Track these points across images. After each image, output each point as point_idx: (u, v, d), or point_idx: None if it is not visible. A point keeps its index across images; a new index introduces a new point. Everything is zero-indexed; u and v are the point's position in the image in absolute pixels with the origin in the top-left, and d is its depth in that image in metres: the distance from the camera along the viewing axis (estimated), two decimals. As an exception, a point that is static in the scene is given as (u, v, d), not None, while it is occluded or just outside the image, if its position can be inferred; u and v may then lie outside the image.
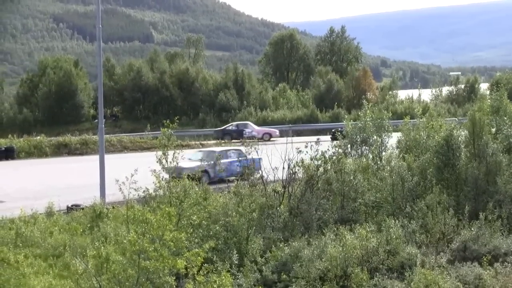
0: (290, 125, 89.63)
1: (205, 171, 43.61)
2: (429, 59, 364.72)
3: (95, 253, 18.06)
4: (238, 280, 20.48)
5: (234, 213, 26.58)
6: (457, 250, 26.49)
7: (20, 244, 30.08)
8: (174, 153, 27.70)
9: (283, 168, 30.87)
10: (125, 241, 17.25)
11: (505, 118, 34.15)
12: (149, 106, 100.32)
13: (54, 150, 73.43)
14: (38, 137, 78.04)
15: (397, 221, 27.42)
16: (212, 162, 43.24)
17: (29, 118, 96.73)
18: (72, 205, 37.14)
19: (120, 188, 26.91)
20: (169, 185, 27.77)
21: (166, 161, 27.64)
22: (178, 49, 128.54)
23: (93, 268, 17.66)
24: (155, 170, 27.06)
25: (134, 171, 26.41)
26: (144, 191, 27.67)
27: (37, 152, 72.33)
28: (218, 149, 48.01)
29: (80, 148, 72.34)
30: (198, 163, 41.75)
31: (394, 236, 26.08)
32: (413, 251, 25.52)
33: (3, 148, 71.08)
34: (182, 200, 25.76)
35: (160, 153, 27.84)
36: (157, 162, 27.47)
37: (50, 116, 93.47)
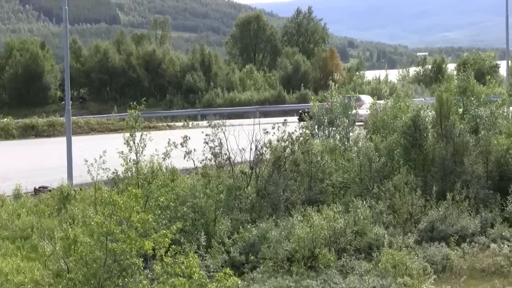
0: (257, 106, 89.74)
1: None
2: (396, 39, 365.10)
3: (63, 235, 18.03)
4: (205, 262, 20.53)
5: (201, 195, 26.55)
6: (425, 231, 26.58)
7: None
8: (141, 135, 27.62)
9: (251, 149, 30.85)
10: (92, 223, 17.20)
11: (472, 98, 34.27)
12: (116, 88, 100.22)
13: (21, 132, 73.31)
14: (5, 119, 77.83)
15: (364, 202, 27.49)
16: None
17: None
18: (39, 187, 37.06)
19: (89, 170, 26.79)
20: (136, 166, 27.72)
21: (134, 143, 27.51)
22: (144, 31, 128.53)
23: (61, 250, 17.66)
24: (122, 151, 26.94)
25: (102, 153, 26.28)
26: (112, 172, 27.58)
27: (4, 134, 72.17)
28: None
29: (47, 130, 72.18)
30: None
31: (362, 217, 26.14)
32: (381, 232, 25.60)
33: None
34: (150, 181, 25.74)
35: (127, 134, 27.70)
36: (124, 143, 27.30)
37: (17, 98, 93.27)
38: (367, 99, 36.53)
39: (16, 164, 46.13)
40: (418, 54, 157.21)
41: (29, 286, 20.22)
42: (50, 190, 36.17)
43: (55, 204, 32.84)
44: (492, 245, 25.14)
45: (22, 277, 22.94)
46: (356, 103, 36.57)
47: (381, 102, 40.40)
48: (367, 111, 37.01)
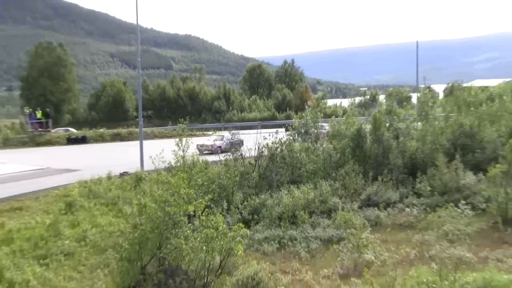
0: (259, 122, 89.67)
1: (219, 146, 46.66)
2: (347, 80, 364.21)
3: (137, 202, 18.09)
4: (227, 219, 20.54)
5: (224, 177, 26.99)
6: (364, 200, 26.68)
7: (91, 197, 30.24)
8: (186, 139, 28.25)
9: (255, 149, 31.20)
10: (155, 194, 17.33)
11: (395, 117, 34.34)
12: (170, 110, 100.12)
13: (111, 137, 73.38)
14: (101, 129, 78.07)
15: (326, 182, 27.73)
16: (222, 140, 48.60)
17: (96, 117, 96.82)
18: (123, 172, 37.25)
19: (153, 162, 27.50)
20: (183, 159, 28.19)
21: (181, 144, 28.05)
22: (188, 74, 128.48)
23: (136, 211, 17.73)
24: (174, 150, 27.54)
25: (161, 151, 26.98)
26: (168, 163, 28.15)
27: (101, 139, 72.28)
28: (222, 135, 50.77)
29: (127, 136, 72.30)
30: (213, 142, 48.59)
31: (325, 191, 26.33)
32: (336, 201, 25.78)
33: (80, 137, 71.66)
34: (191, 168, 26.13)
35: (177, 139, 28.20)
36: (175, 145, 27.74)
37: (108, 117, 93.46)
38: (327, 126, 36.20)
39: (108, 158, 46.19)
40: (361, 89, 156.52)
41: (117, 233, 20.32)
42: (129, 174, 36.49)
43: (132, 183, 33.07)
44: (406, 209, 25.12)
45: (112, 228, 23.22)
46: (319, 129, 36.80)
47: (338, 119, 40.46)
48: (326, 130, 37.16)
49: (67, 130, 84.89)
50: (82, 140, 70.87)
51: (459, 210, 19.99)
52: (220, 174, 27.35)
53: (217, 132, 67.39)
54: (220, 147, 46.99)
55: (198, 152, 42.17)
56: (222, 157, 31.76)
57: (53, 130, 78.92)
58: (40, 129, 75.30)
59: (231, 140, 41.90)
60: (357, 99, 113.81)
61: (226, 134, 47.62)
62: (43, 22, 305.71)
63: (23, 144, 68.06)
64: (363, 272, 17.55)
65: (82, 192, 31.06)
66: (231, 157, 31.11)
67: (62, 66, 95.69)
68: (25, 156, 47.52)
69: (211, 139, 50.71)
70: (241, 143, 39.64)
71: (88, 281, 18.50)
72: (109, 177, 35.40)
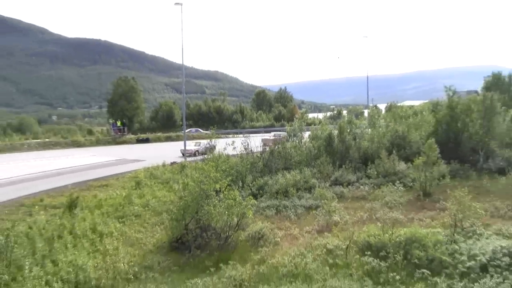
0: (263, 128, 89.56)
1: (197, 150, 43.49)
2: (322, 100, 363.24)
3: (182, 181, 18.03)
4: (241, 193, 20.37)
5: (239, 165, 26.73)
6: (333, 181, 26.39)
7: (152, 178, 30.20)
8: (213, 140, 28.13)
9: (260, 146, 31.04)
10: (194, 176, 17.29)
11: (353, 125, 34.04)
12: (204, 121, 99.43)
13: (165, 139, 73.40)
14: (159, 133, 78.13)
15: (308, 169, 27.48)
16: (199, 146, 44.51)
17: (155, 125, 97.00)
18: (172, 162, 37.09)
19: (190, 155, 27.31)
20: (212, 152, 28.04)
21: (210, 143, 28.00)
22: (216, 97, 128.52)
23: (181, 188, 17.69)
24: (205, 147, 27.38)
25: (198, 146, 26.77)
26: (202, 154, 28.04)
27: (158, 140, 72.31)
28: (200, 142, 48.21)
29: (176, 138, 72.19)
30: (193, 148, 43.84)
31: (307, 175, 26.05)
32: (314, 181, 25.51)
33: (145, 138, 71.68)
34: (218, 159, 25.89)
35: (207, 140, 28.06)
36: (206, 144, 27.59)
37: (162, 125, 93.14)
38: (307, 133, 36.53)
39: (163, 152, 46.15)
40: (331, 106, 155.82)
41: (169, 202, 20.32)
42: (177, 163, 36.35)
43: (179, 169, 32.99)
44: (361, 187, 24.98)
45: (166, 199, 23.15)
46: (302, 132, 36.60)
47: (316, 126, 40.44)
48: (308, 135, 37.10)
49: (197, 130, 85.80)
50: (146, 140, 71.03)
51: (395, 187, 19.98)
52: (237, 163, 27.18)
53: (234, 135, 66.96)
54: (198, 151, 44.09)
55: (181, 155, 42.37)
56: (238, 151, 31.31)
57: (187, 130, 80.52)
58: (119, 133, 75.95)
59: (206, 146, 39.71)
60: (328, 114, 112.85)
61: (203, 141, 45.46)
62: (122, 63, 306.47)
63: (108, 143, 68.28)
64: (332, 229, 17.53)
65: (146, 174, 31.27)
66: (244, 151, 30.76)
67: (134, 92, 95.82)
68: (109, 151, 47.66)
69: (191, 144, 47.00)
70: (213, 147, 39.57)
71: (150, 233, 18.53)
72: (163, 165, 35.39)
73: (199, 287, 12.71)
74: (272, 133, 51.92)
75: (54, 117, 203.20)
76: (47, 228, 17.83)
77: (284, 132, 47.57)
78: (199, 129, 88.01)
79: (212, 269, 13.99)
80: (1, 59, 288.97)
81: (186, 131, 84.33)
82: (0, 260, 13.59)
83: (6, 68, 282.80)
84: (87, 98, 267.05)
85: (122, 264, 14.33)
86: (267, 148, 30.99)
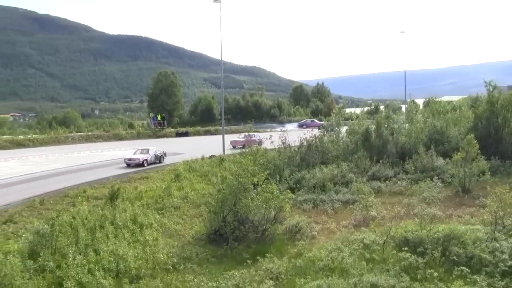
0: (299, 122, 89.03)
1: (145, 159, 35.54)
2: (359, 95, 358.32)
3: (221, 175, 18.09)
4: (279, 187, 20.16)
5: (277, 159, 26.67)
6: (370, 175, 26.14)
7: (191, 170, 30.46)
8: (251, 133, 27.96)
9: (298, 141, 30.81)
10: (232, 170, 17.33)
11: (391, 120, 33.58)
12: (242, 115, 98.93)
13: (204, 132, 73.95)
14: (198, 127, 78.70)
15: (345, 163, 27.24)
16: (147, 154, 36.42)
17: (194, 119, 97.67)
18: (211, 155, 37.25)
19: (230, 148, 27.33)
20: (250, 146, 27.99)
21: (248, 136, 27.84)
22: (254, 91, 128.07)
23: (220, 181, 17.74)
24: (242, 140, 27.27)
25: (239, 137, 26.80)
26: (240, 149, 27.95)
27: (197, 133, 72.94)
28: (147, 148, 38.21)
29: (214, 132, 72.51)
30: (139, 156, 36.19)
31: (344, 170, 25.89)
32: (352, 176, 25.31)
33: (184, 132, 72.40)
34: (256, 153, 25.88)
35: (246, 133, 27.96)
36: (243, 137, 27.50)
37: (202, 119, 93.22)
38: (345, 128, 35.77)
39: (202, 146, 46.40)
40: (368, 101, 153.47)
41: (207, 195, 20.40)
42: (215, 156, 36.48)
43: (217, 162, 33.13)
44: (398, 182, 24.69)
45: (204, 191, 23.28)
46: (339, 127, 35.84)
47: (353, 121, 40.04)
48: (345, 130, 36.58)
49: (313, 121, 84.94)
50: (185, 134, 71.66)
51: (433, 182, 19.52)
52: (275, 157, 27.14)
53: (272, 129, 66.61)
54: (146, 160, 35.68)
55: (125, 165, 35.24)
56: (275, 145, 30.92)
57: (301, 121, 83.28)
58: (159, 127, 77.04)
59: (156, 153, 37.12)
60: (366, 108, 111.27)
61: (152, 148, 38.02)
62: (162, 59, 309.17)
63: (148, 136, 69.24)
64: (369, 224, 17.31)
65: (185, 167, 31.60)
66: (282, 145, 30.55)
67: (174, 87, 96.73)
68: (149, 144, 48.11)
69: (137, 152, 36.96)
70: (164, 154, 37.83)
71: (189, 225, 18.69)
72: (202, 158, 35.63)
73: (236, 279, 12.73)
74: (243, 134, 47.78)
75: (97, 111, 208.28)
76: (90, 218, 18.20)
77: (257, 133, 46.34)
78: (314, 120, 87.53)
79: (249, 261, 14.01)
80: (48, 56, 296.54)
81: (305, 120, 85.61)
82: (46, 247, 13.95)
83: (53, 65, 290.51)
84: (129, 92, 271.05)
85: (161, 255, 14.51)
86: (305, 142, 30.79)
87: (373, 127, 32.36)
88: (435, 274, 12.48)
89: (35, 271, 12.67)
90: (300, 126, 77.67)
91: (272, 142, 29.60)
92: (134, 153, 37.05)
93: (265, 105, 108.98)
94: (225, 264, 14.30)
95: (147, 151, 37.12)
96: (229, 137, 47.21)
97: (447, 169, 25.37)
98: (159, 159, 37.29)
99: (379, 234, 15.53)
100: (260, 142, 41.15)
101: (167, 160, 37.35)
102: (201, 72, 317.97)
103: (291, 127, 75.87)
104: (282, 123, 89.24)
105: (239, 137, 46.23)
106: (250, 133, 47.38)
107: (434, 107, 39.49)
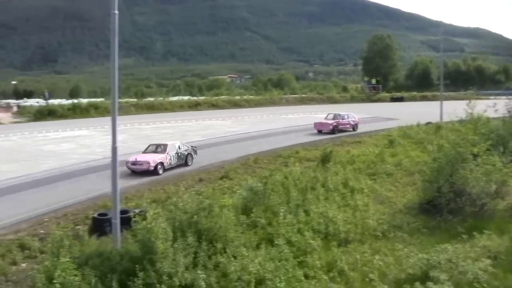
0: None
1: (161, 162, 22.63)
2: None
3: (437, 143, 17.40)
4: (502, 159, 18.21)
5: (502, 129, 23.21)
6: None
7: (405, 137, 30.29)
8: (473, 101, 25.14)
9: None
10: (450, 138, 16.48)
11: None
12: (462, 80, 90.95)
13: (420, 98, 70.67)
14: (414, 92, 75.85)
15: None
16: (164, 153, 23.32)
17: (410, 84, 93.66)
18: (427, 122, 35.54)
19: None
20: (471, 114, 25.47)
21: (470, 104, 25.01)
22: (477, 55, 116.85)
23: (436, 149, 17.05)
24: (464, 108, 25.02)
25: (454, 109, 24.95)
26: (460, 117, 25.63)
27: (413, 99, 70.13)
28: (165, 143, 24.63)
29: (431, 98, 68.78)
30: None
31: None
32: None
33: (400, 97, 70.63)
34: (477, 121, 23.81)
35: (467, 101, 25.57)
36: (466, 105, 25.15)
37: (419, 84, 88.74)
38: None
39: (418, 112, 44.33)
40: None
41: (422, 163, 19.71)
42: (432, 123, 34.94)
43: (433, 129, 31.89)
44: None
45: (419, 159, 22.70)
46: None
47: None
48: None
49: None
50: (400, 99, 70.11)
51: None
52: (499, 127, 24.40)
53: (496, 97, 60.44)
54: (162, 163, 22.66)
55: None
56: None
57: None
58: (373, 91, 76.42)
59: (179, 151, 24.04)
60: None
61: (172, 143, 24.07)
62: (377, 21, 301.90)
63: (362, 100, 69.35)
64: None
65: (399, 133, 31.25)
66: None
67: (389, 50, 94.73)
68: (363, 109, 48.15)
69: (149, 150, 23.66)
70: (193, 151, 25.17)
71: (401, 193, 18.31)
72: (418, 125, 34.65)
73: (449, 253, 12.08)
74: (332, 114, 37.57)
75: (311, 74, 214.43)
76: (301, 179, 18.89)
77: (351, 114, 38.04)
78: None
79: (464, 236, 13.18)
80: (265, 19, 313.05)
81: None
82: (258, 204, 14.94)
83: (268, 28, 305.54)
84: (343, 55, 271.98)
85: (371, 221, 14.49)
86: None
87: None
88: None
89: (248, 226, 13.52)
90: None
91: (496, 110, 26.36)
92: (145, 151, 23.95)
93: (489, 70, 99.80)
94: (437, 237, 13.68)
95: (165, 148, 23.79)
96: (448, 104, 36.59)
97: None
98: (184, 159, 24.39)
99: None
100: (355, 126, 36.63)
101: (380, 125, 36.83)
102: (418, 35, 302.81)
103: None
104: (509, 89, 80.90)
105: (327, 119, 37.02)
106: (342, 113, 37.98)
107: None
